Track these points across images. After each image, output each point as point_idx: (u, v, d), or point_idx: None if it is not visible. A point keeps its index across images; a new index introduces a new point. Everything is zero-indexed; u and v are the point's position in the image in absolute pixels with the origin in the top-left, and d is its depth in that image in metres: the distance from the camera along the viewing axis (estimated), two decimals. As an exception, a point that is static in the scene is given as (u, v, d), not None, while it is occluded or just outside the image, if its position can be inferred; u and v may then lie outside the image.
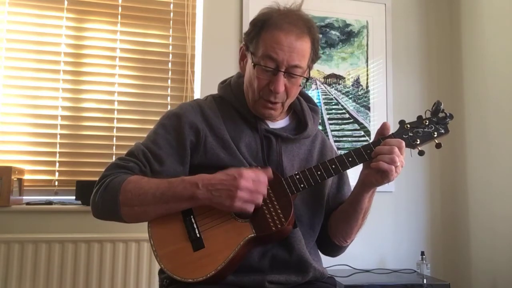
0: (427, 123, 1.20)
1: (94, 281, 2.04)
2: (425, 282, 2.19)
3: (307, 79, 1.20)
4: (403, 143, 1.14)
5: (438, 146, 1.19)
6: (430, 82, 2.73)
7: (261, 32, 1.16)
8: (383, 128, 1.18)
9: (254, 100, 1.20)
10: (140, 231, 1.66)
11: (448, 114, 1.19)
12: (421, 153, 1.20)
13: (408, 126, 1.20)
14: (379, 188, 1.21)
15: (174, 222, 1.10)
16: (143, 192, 1.08)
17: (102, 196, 1.11)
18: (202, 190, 1.05)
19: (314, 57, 1.22)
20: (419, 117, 1.21)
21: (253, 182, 1.04)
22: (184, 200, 1.07)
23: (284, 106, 1.22)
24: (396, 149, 1.11)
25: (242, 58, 1.26)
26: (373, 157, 1.13)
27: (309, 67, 1.22)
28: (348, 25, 2.64)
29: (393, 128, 1.22)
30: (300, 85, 1.21)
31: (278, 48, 1.13)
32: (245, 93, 1.24)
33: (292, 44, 1.13)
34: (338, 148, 2.52)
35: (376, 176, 1.13)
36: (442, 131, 1.20)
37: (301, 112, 1.31)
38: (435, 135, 1.19)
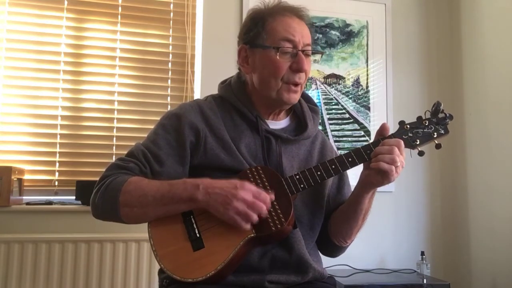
0: (427, 124, 1.20)
1: (94, 281, 2.04)
2: (425, 282, 2.20)
3: (323, 53, 1.27)
4: (402, 142, 1.14)
5: (438, 146, 1.19)
6: (430, 82, 2.73)
7: (266, 24, 1.20)
8: (382, 128, 1.19)
9: (277, 89, 1.20)
10: (140, 231, 1.66)
11: (447, 115, 1.19)
12: (421, 153, 1.20)
13: (408, 126, 1.20)
14: (379, 188, 1.21)
15: (174, 222, 1.10)
16: (143, 194, 1.08)
17: (102, 196, 1.11)
18: (202, 192, 1.06)
19: (313, 42, 1.28)
20: (419, 118, 1.21)
21: (252, 197, 1.04)
22: (183, 201, 1.07)
23: (302, 89, 1.25)
24: (396, 149, 1.11)
25: (245, 60, 1.25)
26: (373, 158, 1.13)
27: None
28: (348, 25, 2.64)
29: (393, 128, 1.22)
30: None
31: (291, 30, 1.19)
32: (261, 89, 1.23)
33: (299, 25, 1.21)
34: (338, 148, 2.52)
35: (376, 177, 1.13)
36: (442, 131, 1.20)
37: (301, 113, 1.31)
38: (435, 136, 1.19)
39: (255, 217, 1.04)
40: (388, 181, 1.13)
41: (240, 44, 1.26)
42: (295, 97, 1.23)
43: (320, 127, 1.38)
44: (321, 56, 1.32)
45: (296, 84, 1.20)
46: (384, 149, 1.12)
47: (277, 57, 1.18)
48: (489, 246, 2.36)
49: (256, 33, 1.21)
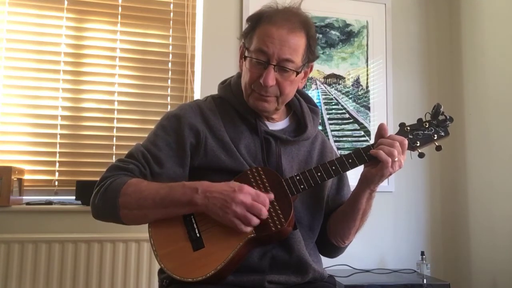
0: (427, 126, 1.20)
1: (94, 281, 2.04)
2: (425, 282, 2.20)
3: (297, 72, 1.18)
4: (406, 141, 1.15)
5: (438, 148, 1.19)
6: (430, 82, 2.73)
7: (256, 28, 1.18)
8: (381, 129, 1.18)
9: (248, 94, 1.20)
10: (140, 231, 1.65)
11: (448, 117, 1.19)
12: (421, 155, 1.20)
13: (408, 128, 1.20)
14: (379, 188, 1.21)
15: (174, 222, 1.10)
16: (143, 196, 1.08)
17: (102, 198, 1.11)
18: (200, 196, 1.06)
19: (310, 55, 1.21)
20: (419, 120, 1.21)
21: (251, 199, 1.04)
22: (182, 205, 1.08)
23: (279, 102, 1.21)
24: (398, 144, 1.12)
25: (241, 56, 1.26)
26: (376, 146, 1.15)
27: (304, 65, 1.20)
28: (348, 25, 2.64)
29: (392, 128, 1.22)
30: (294, 80, 1.19)
31: (268, 41, 1.14)
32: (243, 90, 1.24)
33: (283, 37, 1.14)
34: (338, 148, 2.52)
35: (371, 169, 1.14)
36: (442, 133, 1.20)
37: (301, 114, 1.31)
38: (435, 138, 1.19)
39: (254, 220, 1.04)
40: (381, 174, 1.13)
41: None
42: (264, 106, 1.19)
43: (320, 127, 1.37)
44: (297, 76, 1.22)
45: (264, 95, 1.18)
46: (386, 141, 1.13)
47: (245, 65, 1.17)
48: (489, 245, 2.36)
49: (246, 34, 1.21)
